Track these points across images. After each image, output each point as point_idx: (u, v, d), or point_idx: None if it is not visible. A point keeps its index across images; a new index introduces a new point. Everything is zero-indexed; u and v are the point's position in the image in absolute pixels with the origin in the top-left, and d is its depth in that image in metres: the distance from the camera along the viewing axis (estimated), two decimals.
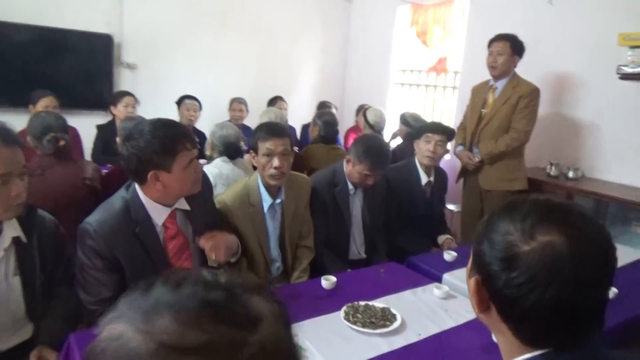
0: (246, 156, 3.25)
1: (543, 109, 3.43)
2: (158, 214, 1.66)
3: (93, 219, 1.58)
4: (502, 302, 0.75)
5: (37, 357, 1.48)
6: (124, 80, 4.73)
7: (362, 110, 4.47)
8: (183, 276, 0.49)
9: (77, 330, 1.61)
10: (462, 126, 3.55)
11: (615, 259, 0.74)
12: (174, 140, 1.56)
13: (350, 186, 2.46)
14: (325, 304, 1.70)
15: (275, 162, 2.04)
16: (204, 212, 1.83)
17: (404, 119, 3.98)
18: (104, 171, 2.73)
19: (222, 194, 2.18)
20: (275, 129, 2.12)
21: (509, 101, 3.18)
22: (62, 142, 2.33)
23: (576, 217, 0.73)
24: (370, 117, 3.90)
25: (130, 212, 1.61)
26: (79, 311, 1.67)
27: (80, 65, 4.44)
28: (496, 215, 0.78)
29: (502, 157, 3.22)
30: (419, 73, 5.33)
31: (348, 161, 2.43)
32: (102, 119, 4.23)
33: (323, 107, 4.72)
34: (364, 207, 2.53)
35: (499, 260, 0.74)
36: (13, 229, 1.49)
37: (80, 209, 2.08)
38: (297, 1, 5.63)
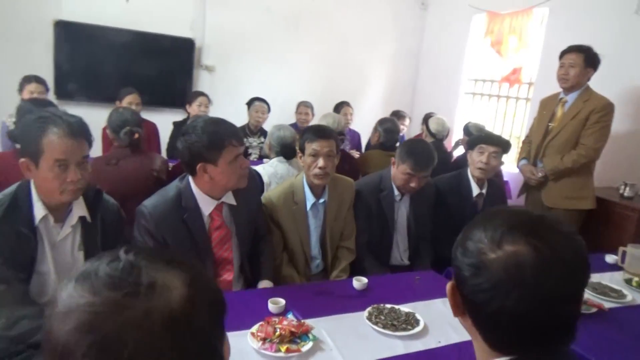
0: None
1: (619, 126, 3.23)
2: (206, 204, 1.82)
3: (149, 203, 1.78)
4: (470, 307, 0.78)
5: None
6: (202, 82, 5.07)
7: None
8: (109, 254, 0.58)
9: None
10: (527, 140, 3.43)
11: (586, 276, 0.73)
12: (221, 136, 1.71)
13: (396, 192, 2.48)
14: (353, 303, 1.75)
15: (320, 162, 2.13)
16: (249, 209, 1.95)
17: (467, 129, 3.91)
18: (172, 164, 2.96)
19: (269, 191, 2.31)
20: (322, 131, 2.22)
21: (578, 115, 3.02)
22: (136, 136, 2.58)
23: (548, 230, 0.74)
24: (432, 125, 3.87)
25: (182, 200, 1.79)
26: None
27: (164, 67, 4.84)
28: (473, 223, 0.80)
29: (568, 174, 3.07)
30: (491, 83, 5.18)
31: (393, 163, 2.46)
32: (180, 116, 4.57)
33: (397, 117, 4.72)
34: (410, 214, 2.54)
35: (468, 266, 0.76)
36: (80, 209, 1.69)
37: (146, 197, 2.30)
38: (371, 7, 5.70)
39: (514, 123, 4.94)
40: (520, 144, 3.71)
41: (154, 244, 1.75)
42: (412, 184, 2.38)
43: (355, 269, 2.35)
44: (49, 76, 4.27)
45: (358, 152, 4.57)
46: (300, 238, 2.21)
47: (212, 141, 1.70)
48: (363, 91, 5.91)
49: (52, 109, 1.68)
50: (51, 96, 4.22)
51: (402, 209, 2.54)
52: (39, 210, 1.61)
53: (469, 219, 2.52)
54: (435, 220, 2.64)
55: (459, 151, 4.27)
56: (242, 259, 1.97)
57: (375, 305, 1.71)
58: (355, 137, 5.05)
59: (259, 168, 2.82)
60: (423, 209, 2.58)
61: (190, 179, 1.81)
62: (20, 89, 3.59)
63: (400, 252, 2.55)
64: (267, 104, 4.44)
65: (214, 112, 4.48)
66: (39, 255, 1.63)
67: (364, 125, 5.29)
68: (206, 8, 4.90)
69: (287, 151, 2.88)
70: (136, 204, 1.93)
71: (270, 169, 2.81)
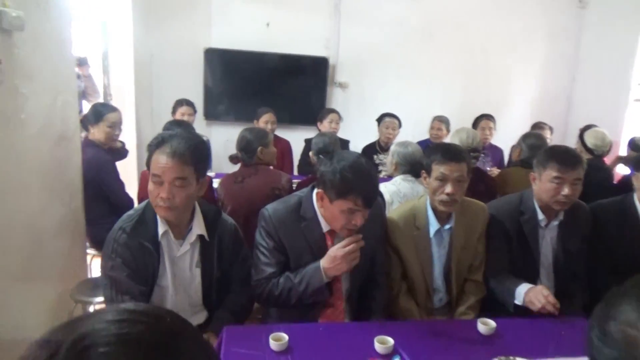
0: None
1: None
2: (323, 221, 1.77)
3: (271, 206, 1.81)
4: None
5: None
6: (335, 99, 5.12)
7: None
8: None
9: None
10: None
11: None
12: (350, 188, 1.61)
13: (540, 216, 2.11)
14: (476, 350, 1.51)
15: (448, 188, 1.91)
16: (367, 243, 1.80)
17: (634, 144, 3.27)
18: (298, 180, 2.98)
19: (390, 212, 2.15)
20: (453, 153, 1.97)
21: None
22: (259, 154, 2.65)
23: None
24: (589, 139, 3.31)
25: (301, 209, 1.78)
26: (248, 307, 1.88)
27: (300, 86, 5.01)
28: (621, 293, 0.56)
29: None
30: None
31: (533, 179, 2.11)
32: (312, 133, 4.64)
33: (536, 129, 4.23)
34: (558, 245, 2.15)
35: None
36: (199, 228, 1.75)
37: None
38: (517, 10, 5.20)
39: None
40: None
41: (273, 245, 1.77)
42: (565, 192, 1.96)
43: (485, 308, 2.06)
44: (199, 99, 4.71)
45: (499, 170, 4.15)
46: (421, 267, 2.01)
47: (341, 185, 1.62)
48: (506, 102, 5.41)
49: (180, 131, 1.76)
50: (200, 117, 4.64)
51: (548, 238, 2.16)
52: (161, 226, 1.69)
53: (637, 256, 1.98)
54: (591, 256, 2.20)
55: (624, 170, 3.61)
56: (351, 290, 1.86)
57: (503, 357, 1.44)
58: (497, 154, 4.61)
59: (380, 186, 2.68)
60: (576, 241, 2.16)
61: (314, 191, 1.79)
62: (173, 111, 3.99)
63: None
64: (398, 119, 4.28)
65: (345, 128, 4.49)
66: (160, 270, 1.71)
67: (507, 139, 4.80)
68: (340, 25, 4.96)
69: (415, 169, 2.69)
70: (256, 223, 1.95)
71: (393, 187, 2.65)
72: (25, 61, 2.07)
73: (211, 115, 4.93)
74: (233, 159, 2.80)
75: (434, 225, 2.01)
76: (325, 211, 1.71)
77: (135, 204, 2.90)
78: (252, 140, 2.64)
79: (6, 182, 1.97)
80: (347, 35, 4.99)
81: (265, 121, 4.05)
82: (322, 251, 1.75)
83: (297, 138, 4.40)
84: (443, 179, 1.93)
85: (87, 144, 2.92)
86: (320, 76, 4.99)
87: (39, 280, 2.30)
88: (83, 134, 2.98)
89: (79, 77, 3.62)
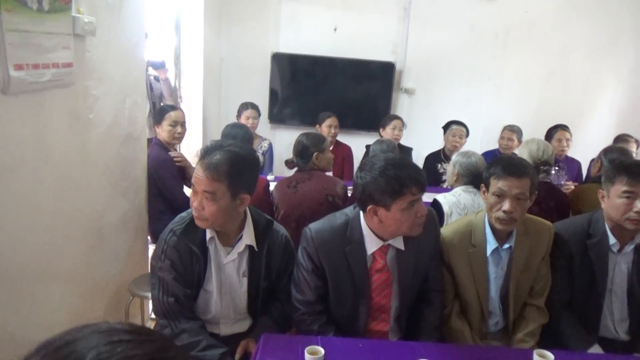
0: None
1: None
2: (371, 242, 1.69)
3: (314, 226, 1.73)
4: None
5: (244, 346, 1.70)
6: (400, 105, 5.00)
7: None
8: None
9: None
10: None
11: None
12: (401, 182, 1.54)
13: (612, 240, 1.90)
14: None
15: (506, 205, 1.77)
16: (419, 257, 1.74)
17: None
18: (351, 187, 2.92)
19: (445, 227, 2.03)
20: (515, 167, 1.82)
21: None
22: (315, 160, 2.61)
23: None
24: None
25: (347, 231, 1.69)
26: (292, 317, 1.85)
27: (364, 91, 4.94)
28: None
29: None
30: None
31: (602, 197, 1.90)
32: (374, 139, 4.58)
33: (619, 142, 3.87)
34: (633, 273, 1.93)
35: None
36: (249, 238, 1.74)
37: None
38: (600, 12, 4.78)
39: None
40: None
41: (312, 267, 1.70)
42: (637, 207, 1.77)
43: (549, 333, 1.89)
44: (264, 102, 4.79)
45: (575, 184, 3.84)
46: (476, 288, 1.88)
47: (390, 186, 1.54)
48: (586, 112, 5.00)
49: (230, 142, 1.75)
50: (264, 120, 4.72)
51: (622, 264, 1.94)
52: (209, 232, 1.70)
53: None
54: None
55: None
56: (401, 309, 1.77)
57: None
58: (575, 167, 4.28)
59: (439, 197, 2.56)
60: None
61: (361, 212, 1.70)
62: (238, 114, 4.08)
63: (614, 322, 1.95)
64: (466, 127, 4.09)
65: (409, 135, 4.38)
66: (206, 275, 1.72)
67: (587, 152, 4.44)
68: (409, 29, 4.83)
69: (478, 180, 2.54)
70: None
71: (453, 199, 2.52)
72: (96, 64, 2.19)
73: (275, 118, 5.00)
74: (289, 164, 2.80)
75: (491, 243, 1.87)
76: (386, 224, 1.60)
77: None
78: (308, 145, 2.62)
79: (74, 178, 2.09)
80: (415, 39, 4.85)
81: (328, 125, 4.03)
82: (363, 278, 1.68)
83: (359, 144, 4.34)
84: (501, 195, 1.79)
85: (154, 143, 3.04)
86: (386, 81, 4.89)
87: (100, 272, 2.41)
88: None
89: (158, 80, 3.79)
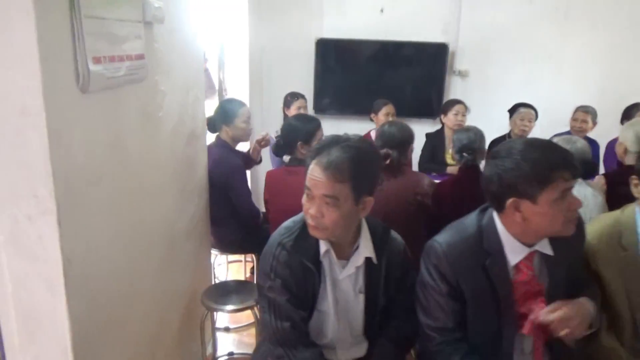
0: (596, 178, 2.67)
1: None
2: (513, 251, 1.41)
3: (443, 239, 1.45)
4: None
5: None
6: (454, 88, 4.68)
7: None
8: None
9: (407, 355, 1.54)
10: None
11: None
12: (550, 166, 1.27)
13: None
14: None
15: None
16: (569, 263, 1.46)
17: None
18: (436, 181, 2.64)
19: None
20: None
21: None
22: (387, 159, 2.34)
23: None
24: None
25: (483, 241, 1.42)
26: (412, 336, 1.59)
27: (414, 75, 4.64)
28: None
29: None
30: None
31: None
32: (429, 127, 4.29)
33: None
34: None
35: None
36: (367, 249, 1.50)
37: (408, 226, 2.00)
38: None
39: None
40: None
41: (447, 289, 1.41)
42: None
43: None
44: (309, 91, 4.52)
45: None
46: (628, 298, 1.60)
47: (536, 171, 1.27)
48: None
49: (350, 137, 1.48)
50: (310, 110, 4.45)
51: None
52: (322, 244, 1.46)
53: None
54: None
55: None
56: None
57: None
58: None
59: None
60: None
61: (495, 215, 1.42)
62: (287, 106, 3.80)
63: None
64: (535, 110, 3.78)
65: (469, 120, 4.06)
66: (320, 292, 1.47)
67: None
68: (462, 7, 4.49)
69: (586, 169, 2.25)
70: (396, 229, 1.65)
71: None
72: (163, 56, 1.94)
73: (321, 108, 4.72)
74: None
75: None
76: (532, 221, 1.33)
77: (262, 208, 2.75)
78: (406, 138, 2.37)
79: (148, 185, 1.86)
80: (468, 18, 4.51)
81: (385, 114, 3.76)
82: (508, 296, 1.41)
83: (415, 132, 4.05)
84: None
85: (218, 144, 2.80)
86: (438, 64, 4.56)
87: (172, 286, 2.20)
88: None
89: None
